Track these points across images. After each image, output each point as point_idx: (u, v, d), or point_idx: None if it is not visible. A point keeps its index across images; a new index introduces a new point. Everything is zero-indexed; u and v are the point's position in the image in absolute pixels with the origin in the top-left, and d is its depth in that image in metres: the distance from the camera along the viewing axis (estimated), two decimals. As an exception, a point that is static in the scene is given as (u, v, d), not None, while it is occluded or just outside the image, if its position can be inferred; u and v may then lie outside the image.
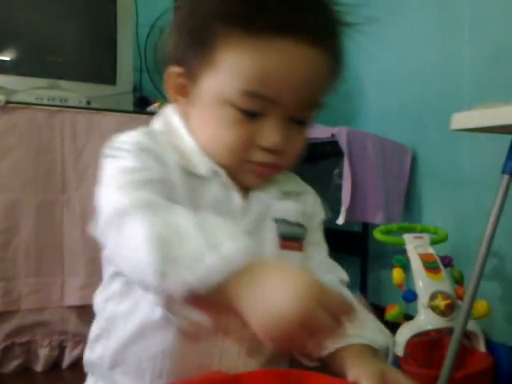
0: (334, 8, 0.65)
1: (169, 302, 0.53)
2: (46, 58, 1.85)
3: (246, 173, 0.67)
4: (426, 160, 2.17)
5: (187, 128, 0.69)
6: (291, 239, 0.71)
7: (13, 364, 1.66)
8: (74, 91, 1.83)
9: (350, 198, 1.96)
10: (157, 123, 0.72)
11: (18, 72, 1.77)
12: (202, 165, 0.66)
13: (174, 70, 0.68)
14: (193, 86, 0.67)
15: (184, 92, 0.68)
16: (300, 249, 0.72)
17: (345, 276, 0.76)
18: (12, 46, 1.81)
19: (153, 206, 0.55)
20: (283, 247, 0.70)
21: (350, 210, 1.96)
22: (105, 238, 0.57)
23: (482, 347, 1.57)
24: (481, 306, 1.54)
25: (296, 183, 0.78)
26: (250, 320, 0.47)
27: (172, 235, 0.51)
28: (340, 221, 1.95)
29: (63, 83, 1.81)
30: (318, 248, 0.76)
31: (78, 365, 1.66)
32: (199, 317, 0.51)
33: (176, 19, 0.70)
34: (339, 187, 2.04)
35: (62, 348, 1.72)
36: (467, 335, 1.54)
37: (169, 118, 0.72)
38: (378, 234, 1.79)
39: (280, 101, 0.62)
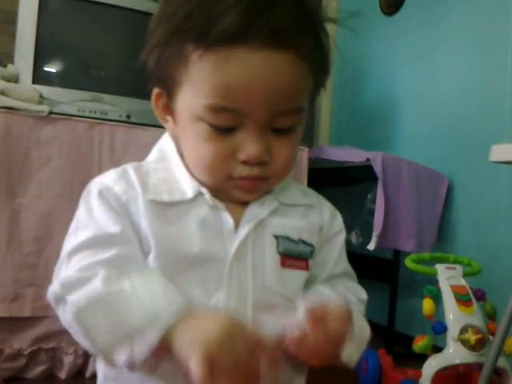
0: (299, 4, 0.61)
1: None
2: (89, 72, 1.90)
3: (232, 189, 0.66)
4: (462, 189, 2.14)
5: (179, 151, 0.70)
6: (295, 257, 0.68)
7: (38, 370, 1.68)
8: (115, 105, 1.87)
9: (382, 224, 1.94)
10: (152, 152, 0.74)
11: (62, 84, 1.83)
12: (188, 189, 0.66)
13: (156, 90, 0.68)
14: (171, 104, 0.66)
15: (169, 111, 0.68)
16: (305, 268, 0.70)
17: (363, 295, 0.74)
18: (58, 59, 1.87)
19: (92, 283, 0.57)
20: (285, 265, 0.67)
21: (381, 236, 1.94)
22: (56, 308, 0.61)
23: (512, 385, 1.52)
24: (513, 342, 1.49)
25: (304, 195, 0.75)
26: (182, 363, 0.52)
27: (112, 313, 0.56)
28: (371, 246, 1.94)
29: (105, 97, 1.86)
30: (329, 266, 0.74)
31: (101, 375, 1.67)
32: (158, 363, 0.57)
33: (146, 36, 0.68)
34: (372, 212, 2.02)
35: (86, 357, 1.73)
36: (497, 371, 1.49)
37: (163, 144, 0.73)
38: (409, 263, 1.76)
39: (251, 112, 0.60)
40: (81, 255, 0.61)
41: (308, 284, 0.71)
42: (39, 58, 1.78)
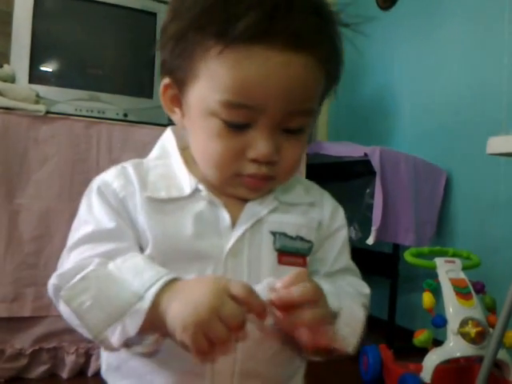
0: (321, 11, 0.62)
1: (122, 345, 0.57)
2: (86, 71, 1.90)
3: (238, 186, 0.66)
4: (461, 182, 2.14)
5: (182, 150, 0.70)
6: (292, 254, 0.68)
7: (40, 369, 1.68)
8: (112, 103, 1.87)
9: (381, 219, 1.94)
10: (155, 148, 0.74)
11: (58, 83, 1.82)
12: (186, 186, 0.67)
13: (165, 81, 0.67)
14: (182, 96, 0.66)
15: (178, 102, 0.68)
16: (302, 264, 0.69)
17: (365, 289, 0.73)
18: (54, 59, 1.87)
19: (84, 271, 0.58)
20: (282, 262, 0.67)
21: (380, 231, 1.94)
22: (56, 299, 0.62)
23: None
24: (513, 334, 1.50)
25: (307, 193, 0.75)
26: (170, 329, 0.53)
27: (101, 294, 0.57)
28: (370, 241, 1.94)
29: (102, 95, 1.85)
30: (329, 263, 0.73)
31: (103, 373, 1.67)
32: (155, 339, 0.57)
33: (161, 26, 0.68)
34: (371, 207, 2.03)
35: (88, 356, 1.73)
36: (497, 364, 1.50)
37: (165, 142, 0.73)
38: (408, 257, 1.76)
39: (265, 110, 0.60)
40: (80, 249, 0.63)
41: None
42: (35, 58, 1.78)
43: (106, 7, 1.90)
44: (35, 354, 1.67)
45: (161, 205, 0.65)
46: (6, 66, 1.74)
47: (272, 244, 0.67)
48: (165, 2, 1.99)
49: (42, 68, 1.83)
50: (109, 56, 1.99)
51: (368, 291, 0.73)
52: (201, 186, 0.66)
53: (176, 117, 0.69)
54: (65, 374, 1.70)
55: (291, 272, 0.59)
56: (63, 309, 0.60)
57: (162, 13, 1.97)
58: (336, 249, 0.74)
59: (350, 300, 0.67)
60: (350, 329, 0.64)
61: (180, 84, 0.65)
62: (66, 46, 1.88)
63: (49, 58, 1.85)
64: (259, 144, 0.62)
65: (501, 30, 1.97)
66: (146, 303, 0.54)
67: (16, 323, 1.65)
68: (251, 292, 0.53)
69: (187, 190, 0.66)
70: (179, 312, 0.52)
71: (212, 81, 0.60)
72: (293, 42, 0.58)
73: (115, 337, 0.55)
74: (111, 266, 0.59)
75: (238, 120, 0.61)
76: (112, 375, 0.71)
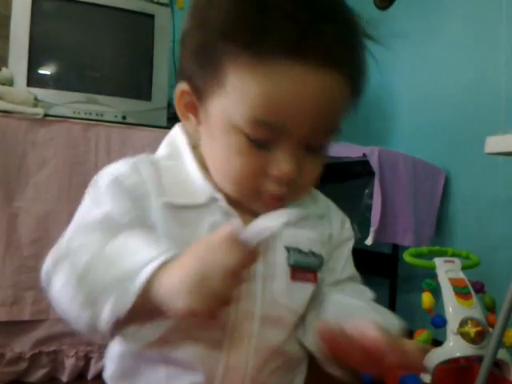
0: (353, 26, 0.59)
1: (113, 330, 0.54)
2: (84, 73, 1.90)
3: (254, 201, 0.63)
4: (460, 182, 2.14)
5: (192, 149, 0.67)
6: (304, 270, 0.67)
7: (40, 373, 1.68)
8: (110, 106, 1.87)
9: (380, 219, 1.94)
10: (162, 146, 0.70)
11: (56, 86, 1.82)
12: (202, 193, 0.64)
13: (183, 87, 0.64)
14: (201, 105, 0.63)
15: (194, 109, 0.64)
16: (313, 280, 0.68)
17: (370, 295, 0.72)
18: (52, 61, 1.87)
19: (87, 248, 0.56)
20: (295, 278, 0.66)
21: (379, 231, 1.94)
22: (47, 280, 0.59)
23: (512, 377, 1.53)
24: (513, 334, 1.50)
25: (316, 205, 0.73)
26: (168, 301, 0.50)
27: (93, 273, 0.53)
28: (369, 241, 1.93)
29: (100, 98, 1.85)
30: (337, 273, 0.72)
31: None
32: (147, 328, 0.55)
33: (182, 31, 0.64)
34: (370, 207, 2.02)
35: (87, 359, 1.73)
36: (497, 364, 1.49)
37: (175, 140, 0.69)
38: (407, 257, 1.76)
39: (292, 129, 0.58)
40: (86, 230, 0.60)
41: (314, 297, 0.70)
42: (33, 61, 1.78)
43: (104, 10, 1.90)
44: (35, 358, 1.67)
45: (176, 212, 0.62)
46: (4, 69, 1.74)
47: (286, 259, 0.66)
48: (162, 4, 1.99)
49: (40, 71, 1.83)
50: (107, 58, 1.99)
51: (372, 295, 0.73)
52: (218, 196, 0.64)
53: (190, 124, 0.66)
54: (64, 378, 1.70)
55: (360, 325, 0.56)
56: (54, 286, 0.58)
57: (160, 15, 1.97)
58: (343, 259, 0.74)
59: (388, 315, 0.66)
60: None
61: (200, 92, 0.62)
62: (63, 49, 1.88)
63: (47, 60, 1.85)
64: (283, 162, 0.59)
65: (498, 29, 1.97)
66: (139, 281, 0.50)
67: (15, 327, 1.65)
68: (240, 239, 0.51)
69: (202, 198, 0.64)
70: (179, 277, 0.49)
71: (239, 94, 0.57)
72: (326, 59, 0.55)
73: (106, 309, 0.51)
74: (120, 238, 0.55)
75: (262, 137, 0.58)
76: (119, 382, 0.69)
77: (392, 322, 0.61)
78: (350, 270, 0.75)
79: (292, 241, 0.67)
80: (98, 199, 0.63)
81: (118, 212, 0.60)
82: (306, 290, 0.68)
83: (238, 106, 0.57)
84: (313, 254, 0.68)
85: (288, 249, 0.66)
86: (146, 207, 0.62)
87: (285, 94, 0.55)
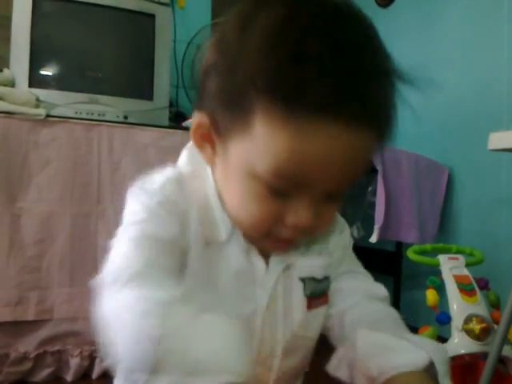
0: (391, 78, 0.56)
1: None
2: (85, 74, 1.90)
3: (265, 242, 0.62)
4: (463, 179, 2.14)
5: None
6: (319, 296, 0.68)
7: (44, 373, 1.68)
8: (112, 106, 1.87)
9: (384, 216, 1.94)
10: (184, 160, 0.68)
11: (58, 87, 1.82)
12: (223, 227, 0.62)
13: (202, 118, 0.60)
14: (220, 141, 0.59)
15: (211, 141, 0.61)
16: (326, 301, 0.69)
17: (382, 292, 0.73)
18: (53, 62, 1.87)
19: (149, 282, 0.52)
20: (311, 307, 0.67)
21: (383, 229, 1.94)
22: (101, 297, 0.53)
23: (517, 373, 1.52)
24: (517, 330, 1.49)
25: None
26: None
27: (172, 332, 0.48)
28: (373, 239, 1.93)
29: (102, 98, 1.85)
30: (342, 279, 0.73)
31: (107, 375, 1.67)
32: None
33: (208, 60, 0.59)
34: (373, 205, 2.02)
35: (92, 358, 1.73)
36: (502, 360, 1.49)
37: (197, 156, 0.65)
38: (411, 254, 1.75)
39: (317, 183, 0.55)
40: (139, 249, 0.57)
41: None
42: (35, 62, 1.78)
43: (105, 10, 1.90)
44: (39, 358, 1.67)
45: (205, 246, 0.62)
46: (5, 71, 1.74)
47: (302, 291, 0.66)
48: (163, 4, 1.99)
49: (42, 72, 1.83)
50: (108, 58, 1.99)
51: (385, 293, 0.73)
52: (238, 234, 0.63)
53: (205, 153, 0.63)
54: (69, 377, 1.70)
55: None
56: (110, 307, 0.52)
57: (161, 14, 1.97)
58: (341, 262, 0.74)
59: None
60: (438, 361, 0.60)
61: (221, 129, 0.58)
62: (65, 50, 1.88)
63: (48, 61, 1.85)
64: (301, 212, 0.57)
65: (500, 25, 1.96)
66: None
67: (20, 327, 1.65)
68: None
69: (224, 234, 0.62)
70: None
71: (266, 144, 0.53)
72: (361, 117, 0.52)
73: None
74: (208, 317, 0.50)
75: (283, 188, 0.56)
76: None
77: (419, 356, 0.59)
78: (349, 263, 0.75)
79: (306, 271, 0.67)
80: (151, 218, 0.60)
81: (167, 236, 0.59)
82: (320, 314, 0.69)
83: (263, 156, 0.54)
84: (325, 278, 0.69)
85: (303, 280, 0.67)
86: (187, 232, 0.60)
87: (314, 152, 0.52)
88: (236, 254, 0.63)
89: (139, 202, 0.61)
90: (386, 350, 0.61)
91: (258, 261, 0.64)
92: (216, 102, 0.57)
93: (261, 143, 0.54)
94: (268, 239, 0.61)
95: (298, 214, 0.57)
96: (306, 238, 0.64)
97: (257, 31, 0.52)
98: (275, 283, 0.65)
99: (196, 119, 0.61)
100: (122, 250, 0.57)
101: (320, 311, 0.69)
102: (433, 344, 0.61)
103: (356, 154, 0.54)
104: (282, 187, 0.55)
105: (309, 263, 0.68)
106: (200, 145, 0.63)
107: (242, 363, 0.47)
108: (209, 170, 0.65)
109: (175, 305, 0.50)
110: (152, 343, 0.46)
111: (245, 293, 0.63)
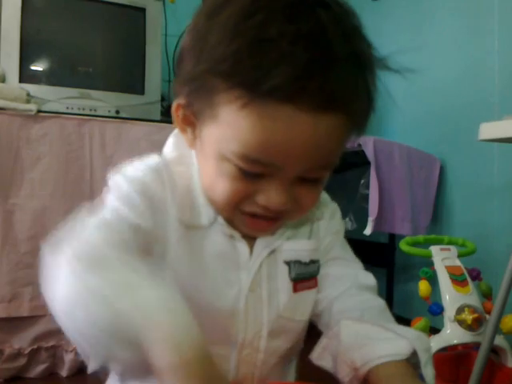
0: (361, 57, 0.55)
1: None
2: (76, 69, 1.89)
3: (239, 222, 0.62)
4: (455, 170, 2.14)
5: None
6: (306, 279, 0.69)
7: (39, 368, 1.68)
8: (104, 101, 1.86)
9: (378, 209, 1.95)
10: (170, 147, 0.69)
11: (49, 82, 1.82)
12: (204, 212, 0.63)
13: (180, 101, 0.61)
14: (197, 123, 0.61)
15: (191, 123, 0.62)
16: (314, 285, 0.70)
17: (370, 281, 0.73)
18: (44, 57, 1.86)
19: (102, 261, 0.53)
20: (297, 290, 0.67)
21: (376, 221, 1.95)
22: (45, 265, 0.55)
23: (509, 363, 1.53)
24: (509, 320, 1.50)
25: (317, 209, 0.72)
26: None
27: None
28: (367, 232, 1.94)
29: (93, 93, 1.85)
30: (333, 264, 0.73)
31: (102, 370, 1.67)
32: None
33: (184, 44, 0.60)
34: (366, 197, 2.03)
35: (87, 353, 1.73)
36: (495, 350, 1.50)
37: (183, 143, 0.66)
38: (404, 246, 1.76)
39: (285, 167, 0.55)
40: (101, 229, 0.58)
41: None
42: (25, 57, 1.77)
43: (95, 4, 1.90)
44: (34, 353, 1.67)
45: (186, 231, 0.62)
46: (-5, 66, 1.73)
47: (287, 274, 0.67)
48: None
49: (32, 67, 1.82)
50: (99, 53, 1.98)
51: (373, 282, 0.73)
52: (220, 219, 0.63)
53: (187, 136, 0.64)
54: (64, 373, 1.71)
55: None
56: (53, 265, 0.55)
57: (151, 8, 1.96)
58: (332, 247, 0.74)
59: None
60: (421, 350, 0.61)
61: (196, 112, 0.60)
62: (55, 44, 1.87)
63: (38, 56, 1.84)
64: (272, 194, 0.57)
65: (491, 15, 1.97)
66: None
67: (14, 323, 1.65)
68: None
69: (205, 219, 0.63)
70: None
71: (231, 131, 0.54)
72: (326, 103, 0.52)
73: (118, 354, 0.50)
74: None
75: (253, 170, 0.56)
76: None
77: (401, 345, 0.61)
78: (339, 250, 0.75)
79: (291, 254, 0.67)
80: (126, 203, 0.61)
81: (140, 222, 0.59)
82: (308, 297, 0.69)
83: (229, 141, 0.55)
84: (312, 262, 0.69)
85: (288, 263, 0.67)
86: (163, 222, 0.61)
87: (278, 137, 0.53)
88: (219, 239, 0.64)
89: (117, 188, 0.62)
90: (368, 340, 0.62)
91: (242, 245, 0.65)
92: (189, 85, 0.58)
93: (226, 128, 0.55)
94: (244, 217, 0.61)
95: (269, 196, 0.57)
96: (286, 220, 0.63)
97: (223, 18, 0.53)
98: (259, 267, 0.65)
99: (175, 102, 0.62)
100: (91, 231, 0.58)
101: (309, 295, 0.69)
102: (415, 333, 0.62)
103: (321, 139, 0.54)
104: (251, 169, 0.56)
105: (295, 247, 0.68)
106: (182, 128, 0.64)
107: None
108: (195, 161, 0.65)
109: (139, 288, 0.50)
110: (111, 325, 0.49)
111: (229, 276, 0.64)
